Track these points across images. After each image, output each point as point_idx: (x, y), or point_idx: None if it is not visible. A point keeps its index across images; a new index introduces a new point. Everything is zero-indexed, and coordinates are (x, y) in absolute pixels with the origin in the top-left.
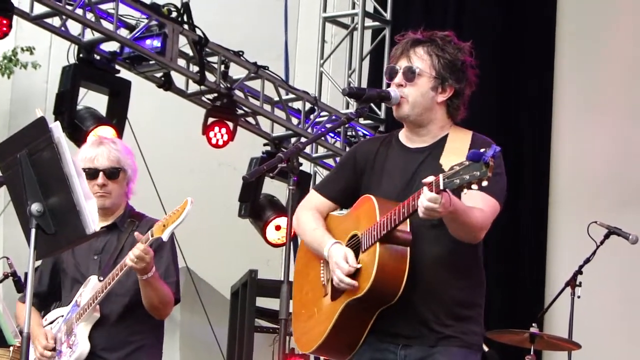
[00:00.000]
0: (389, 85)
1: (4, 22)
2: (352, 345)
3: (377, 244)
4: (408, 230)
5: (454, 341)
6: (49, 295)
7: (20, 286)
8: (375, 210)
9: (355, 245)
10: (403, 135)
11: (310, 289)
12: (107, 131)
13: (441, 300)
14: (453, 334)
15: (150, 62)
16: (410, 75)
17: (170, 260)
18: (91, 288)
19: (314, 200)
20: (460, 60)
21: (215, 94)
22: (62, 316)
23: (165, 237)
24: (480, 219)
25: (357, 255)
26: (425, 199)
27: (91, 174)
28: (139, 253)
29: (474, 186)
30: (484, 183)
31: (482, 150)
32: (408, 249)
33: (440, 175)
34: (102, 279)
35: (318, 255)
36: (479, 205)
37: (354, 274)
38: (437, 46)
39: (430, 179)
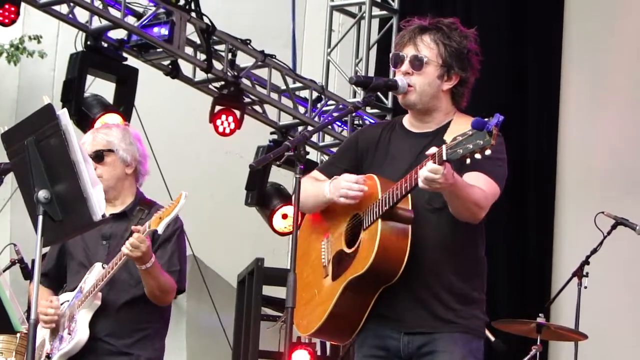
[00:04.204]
0: (394, 73)
1: (12, 9)
2: (353, 327)
3: (379, 220)
4: (410, 209)
5: (456, 327)
6: (57, 274)
7: (27, 273)
8: (377, 188)
9: (357, 224)
10: (407, 121)
11: (311, 272)
12: (114, 119)
13: (442, 284)
14: (454, 319)
15: (158, 50)
16: (418, 63)
17: (175, 249)
18: (95, 275)
19: (316, 177)
20: (466, 48)
21: (223, 82)
22: (68, 301)
23: (160, 229)
24: (480, 196)
25: (358, 234)
26: (427, 170)
27: None
28: (134, 241)
29: (477, 155)
30: (487, 152)
31: (485, 119)
32: (409, 226)
33: (443, 146)
34: (105, 266)
35: (319, 237)
36: (481, 185)
37: (355, 252)
38: (443, 34)
39: (433, 150)
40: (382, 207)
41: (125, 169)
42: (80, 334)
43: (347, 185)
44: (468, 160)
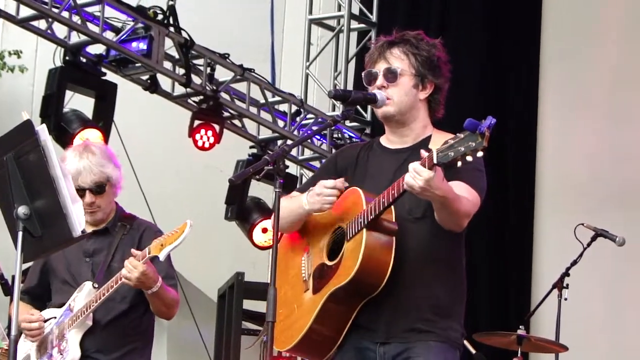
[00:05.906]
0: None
1: None
2: (332, 342)
3: (364, 230)
4: (394, 221)
5: (432, 336)
6: (41, 292)
7: (7, 289)
8: (361, 200)
9: (339, 237)
10: (384, 139)
11: (289, 288)
12: (93, 134)
13: (421, 295)
14: (431, 329)
15: (136, 65)
16: (391, 75)
17: (169, 264)
18: (85, 294)
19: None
20: (435, 56)
21: (202, 97)
22: (55, 317)
23: (162, 256)
24: (467, 206)
25: (341, 246)
26: (415, 172)
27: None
28: (139, 275)
29: (469, 158)
30: (479, 154)
31: (477, 121)
32: (394, 238)
33: (434, 149)
34: (96, 286)
35: (298, 253)
36: (464, 194)
37: (338, 264)
38: (411, 45)
39: (423, 154)
40: (367, 216)
41: (113, 192)
42: (72, 353)
43: (321, 184)
44: (459, 164)
